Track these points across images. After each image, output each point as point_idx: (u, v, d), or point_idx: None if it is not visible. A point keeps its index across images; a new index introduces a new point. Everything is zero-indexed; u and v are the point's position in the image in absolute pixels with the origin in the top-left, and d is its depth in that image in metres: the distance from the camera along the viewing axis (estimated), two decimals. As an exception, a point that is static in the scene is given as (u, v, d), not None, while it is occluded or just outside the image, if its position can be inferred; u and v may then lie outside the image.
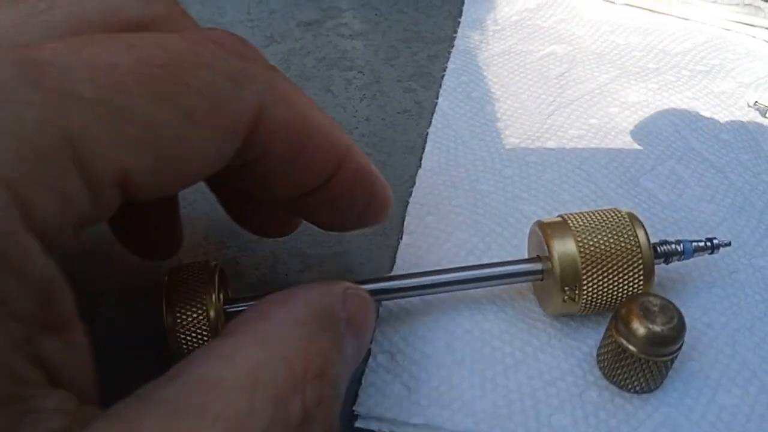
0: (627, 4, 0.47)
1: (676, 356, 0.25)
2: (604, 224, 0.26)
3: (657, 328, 0.24)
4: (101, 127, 0.16)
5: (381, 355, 0.26)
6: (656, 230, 0.31)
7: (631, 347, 0.24)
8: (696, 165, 0.35)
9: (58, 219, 0.15)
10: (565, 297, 0.26)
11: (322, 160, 0.22)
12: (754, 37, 0.45)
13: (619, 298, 0.26)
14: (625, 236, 0.26)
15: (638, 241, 0.26)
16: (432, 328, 0.27)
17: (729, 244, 0.28)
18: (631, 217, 0.26)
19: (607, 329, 0.25)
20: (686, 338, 0.24)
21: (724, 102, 0.39)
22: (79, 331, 0.16)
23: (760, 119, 0.39)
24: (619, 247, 0.25)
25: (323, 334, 0.20)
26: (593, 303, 0.26)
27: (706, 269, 0.30)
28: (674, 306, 0.25)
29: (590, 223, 0.26)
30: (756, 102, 0.39)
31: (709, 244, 0.28)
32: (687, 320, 0.24)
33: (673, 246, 0.27)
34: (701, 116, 0.38)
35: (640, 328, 0.24)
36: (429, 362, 0.26)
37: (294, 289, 0.22)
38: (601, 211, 0.27)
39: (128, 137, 0.16)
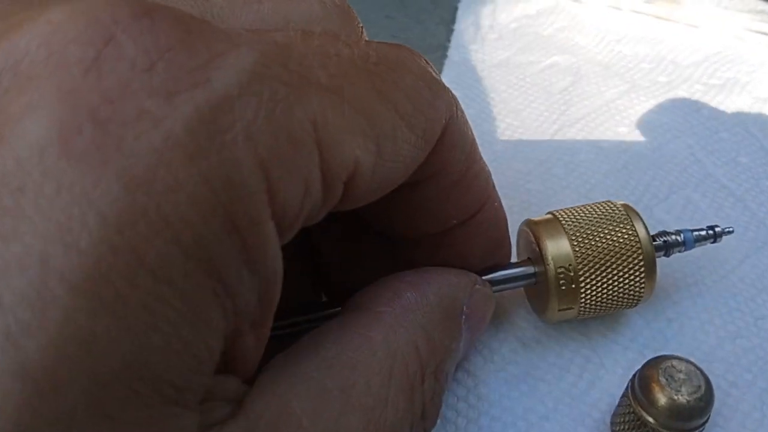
0: (633, 11, 0.43)
1: (703, 429, 0.22)
2: (598, 219, 0.24)
3: (682, 399, 0.21)
4: (337, 114, 0.15)
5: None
6: (673, 269, 0.28)
7: (650, 419, 0.21)
8: (714, 193, 0.32)
9: (297, 209, 0.15)
10: (562, 302, 0.23)
11: (475, 190, 0.21)
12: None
13: (621, 298, 0.24)
14: (623, 230, 0.23)
15: (637, 235, 0.23)
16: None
17: (732, 232, 0.26)
18: (627, 208, 0.24)
19: (624, 395, 0.22)
20: (711, 403, 0.21)
21: (741, 120, 0.36)
22: (269, 325, 0.16)
23: (780, 139, 0.35)
24: (617, 243, 0.23)
25: (446, 325, 0.20)
26: (592, 305, 0.24)
27: (729, 316, 0.27)
28: (701, 372, 0.22)
29: (584, 219, 0.24)
30: (776, 120, 0.36)
31: (711, 232, 0.25)
32: (710, 377, 0.21)
33: (674, 237, 0.25)
34: (718, 137, 0.35)
35: (662, 398, 0.21)
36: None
37: (423, 272, 0.21)
38: (594, 205, 0.24)
39: (359, 128, 0.15)
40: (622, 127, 0.35)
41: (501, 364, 0.25)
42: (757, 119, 0.36)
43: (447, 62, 0.40)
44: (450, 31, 0.42)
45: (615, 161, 0.33)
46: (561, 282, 0.23)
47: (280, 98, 0.14)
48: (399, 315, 0.19)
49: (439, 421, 0.23)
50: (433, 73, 0.19)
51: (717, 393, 0.24)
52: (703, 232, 0.25)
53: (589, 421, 0.23)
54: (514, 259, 0.26)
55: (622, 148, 0.34)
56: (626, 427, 0.22)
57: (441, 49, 0.41)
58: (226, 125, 0.13)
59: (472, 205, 0.21)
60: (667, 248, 0.25)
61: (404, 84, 0.17)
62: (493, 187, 0.22)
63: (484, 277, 0.23)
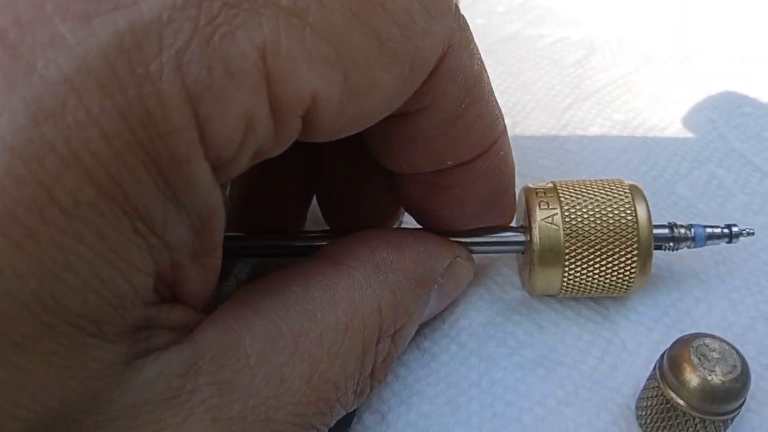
0: (650, -17, 0.41)
1: (738, 414, 0.20)
2: (599, 195, 0.22)
3: (716, 380, 0.19)
4: (295, 41, 0.13)
5: (369, 416, 0.21)
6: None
7: (681, 402, 0.19)
8: (739, 168, 0.30)
9: (237, 146, 0.14)
10: (544, 275, 0.22)
11: (479, 131, 0.19)
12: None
13: (607, 284, 0.22)
14: (622, 211, 0.22)
15: (636, 219, 0.21)
16: (431, 382, 0.22)
17: (753, 233, 0.23)
18: (634, 189, 0.22)
19: (651, 377, 0.21)
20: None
21: (765, 94, 0.34)
22: (218, 255, 0.15)
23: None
24: (612, 223, 0.21)
25: (414, 293, 0.20)
26: (576, 285, 0.22)
27: (761, 296, 0.25)
28: (737, 351, 0.20)
29: (583, 193, 0.22)
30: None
31: (726, 231, 0.23)
32: (744, 361, 0.19)
33: (683, 231, 0.23)
34: (742, 110, 0.33)
35: (693, 378, 0.19)
36: (428, 424, 0.21)
37: (406, 234, 0.21)
38: (601, 181, 0.23)
39: (321, 57, 0.14)
40: (639, 100, 0.33)
41: (515, 347, 0.23)
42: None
43: (453, 37, 0.38)
44: (456, 6, 0.40)
45: (632, 135, 0.31)
46: (545, 255, 0.22)
47: (221, 22, 0.12)
48: (369, 273, 0.19)
49: (448, 407, 0.21)
50: None
51: (752, 376, 0.22)
52: (718, 230, 0.23)
53: (612, 405, 0.21)
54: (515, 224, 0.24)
55: (639, 121, 0.32)
56: (654, 411, 0.20)
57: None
58: (151, 54, 0.12)
59: (470, 148, 0.20)
60: (674, 241, 0.23)
61: (393, 6, 0.15)
62: (503, 136, 0.20)
63: (471, 239, 0.22)
